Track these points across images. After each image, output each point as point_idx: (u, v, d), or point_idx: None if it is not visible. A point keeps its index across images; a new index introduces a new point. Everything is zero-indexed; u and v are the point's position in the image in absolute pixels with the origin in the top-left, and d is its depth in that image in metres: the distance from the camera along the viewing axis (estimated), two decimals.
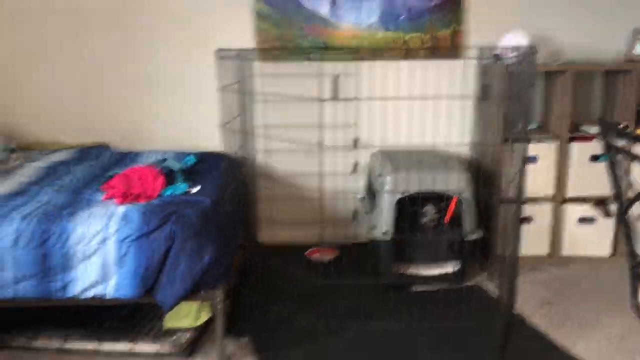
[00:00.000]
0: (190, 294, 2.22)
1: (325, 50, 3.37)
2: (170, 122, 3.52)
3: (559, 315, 2.69)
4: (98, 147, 3.34)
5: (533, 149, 3.20)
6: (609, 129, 1.24)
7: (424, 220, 2.98)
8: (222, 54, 2.38)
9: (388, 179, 2.90)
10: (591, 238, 3.34)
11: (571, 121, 3.25)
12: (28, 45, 3.43)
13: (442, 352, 2.37)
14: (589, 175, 3.26)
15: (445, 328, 2.55)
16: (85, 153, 3.22)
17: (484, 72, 3.34)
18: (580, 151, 3.24)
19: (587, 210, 3.31)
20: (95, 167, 2.99)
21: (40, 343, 2.43)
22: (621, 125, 3.21)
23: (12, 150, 3.22)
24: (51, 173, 2.86)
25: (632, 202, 1.22)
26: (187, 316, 2.47)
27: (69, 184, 2.67)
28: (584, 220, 3.32)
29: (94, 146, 3.35)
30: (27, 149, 3.32)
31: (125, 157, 3.21)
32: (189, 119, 3.51)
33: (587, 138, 3.27)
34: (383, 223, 2.90)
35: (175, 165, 2.85)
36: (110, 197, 2.45)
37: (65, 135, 3.51)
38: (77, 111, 3.50)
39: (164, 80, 3.46)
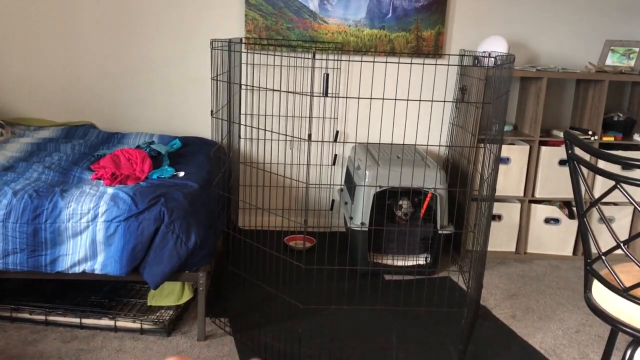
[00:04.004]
0: (175, 274, 2.33)
1: (313, 44, 3.47)
2: (155, 106, 3.58)
3: (521, 308, 2.87)
4: (84, 126, 3.39)
5: (506, 150, 3.37)
6: (572, 141, 1.37)
7: (399, 213, 3.12)
8: (215, 44, 2.47)
9: (367, 173, 3.02)
10: (555, 238, 3.53)
11: (543, 125, 3.42)
12: (17, 23, 3.45)
13: (412, 335, 2.52)
14: (556, 178, 3.43)
15: (416, 314, 2.70)
16: (72, 131, 3.28)
17: (464, 74, 3.49)
18: (549, 155, 3.41)
19: (553, 211, 3.50)
20: (83, 146, 3.04)
21: (23, 315, 2.50)
22: (589, 133, 3.39)
23: (0, 126, 3.25)
24: (40, 150, 2.91)
25: (590, 206, 1.37)
26: (170, 295, 2.57)
27: (58, 162, 2.73)
28: (549, 220, 3.51)
29: (80, 125, 3.40)
30: (12, 125, 3.35)
31: (112, 138, 3.28)
32: (173, 104, 3.58)
33: (557, 143, 3.45)
34: (360, 214, 3.03)
35: (162, 149, 2.93)
36: (100, 177, 2.53)
37: (50, 113, 3.55)
38: (63, 89, 3.54)
39: (151, 65, 3.52)
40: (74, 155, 2.88)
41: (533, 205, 3.49)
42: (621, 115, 3.52)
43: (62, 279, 2.71)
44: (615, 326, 1.40)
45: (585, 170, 3.32)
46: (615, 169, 3.30)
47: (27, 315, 2.50)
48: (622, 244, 1.34)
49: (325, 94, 1.80)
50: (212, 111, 2.40)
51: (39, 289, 2.69)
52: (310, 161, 3.64)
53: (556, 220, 3.50)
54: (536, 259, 3.52)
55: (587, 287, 1.55)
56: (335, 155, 3.66)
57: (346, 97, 1.85)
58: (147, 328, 2.46)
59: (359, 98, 1.66)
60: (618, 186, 1.23)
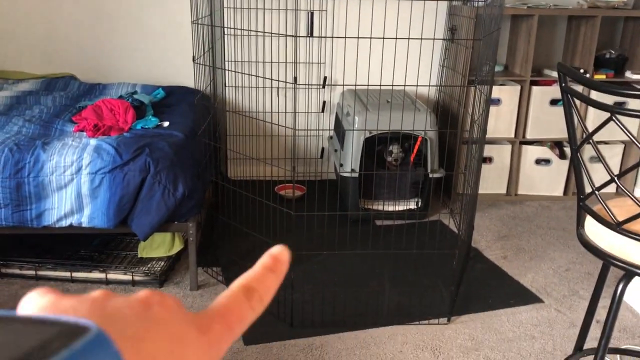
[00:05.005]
0: (164, 224, 2.30)
1: None
2: (136, 55, 3.47)
3: (512, 249, 2.88)
4: (65, 78, 3.29)
5: (497, 91, 3.31)
6: (566, 72, 1.33)
7: (390, 159, 3.09)
8: None
9: (356, 118, 2.97)
10: (546, 178, 3.52)
11: (534, 65, 3.36)
12: None
13: (404, 276, 2.53)
14: (547, 118, 3.40)
15: (408, 257, 2.71)
16: (53, 84, 3.18)
17: (453, 14, 3.39)
18: (540, 95, 3.36)
19: (543, 152, 3.48)
20: (64, 98, 2.96)
21: (13, 270, 2.48)
22: (580, 71, 3.34)
23: None
24: (19, 103, 2.83)
25: (583, 141, 1.33)
26: (160, 246, 2.55)
27: (39, 115, 2.65)
28: (540, 161, 3.49)
29: (60, 76, 3.30)
30: None
31: (94, 89, 3.19)
32: (155, 53, 3.47)
33: (548, 82, 3.40)
34: (350, 161, 2.99)
35: (145, 98, 2.85)
36: (82, 129, 2.47)
37: (29, 66, 3.44)
38: (41, 41, 3.41)
39: (131, 11, 3.39)
40: (55, 107, 2.80)
41: (524, 146, 3.47)
42: (613, 52, 3.46)
43: (50, 234, 2.67)
44: (608, 261, 1.39)
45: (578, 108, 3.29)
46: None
47: (16, 271, 2.48)
48: (616, 178, 1.31)
49: (311, 33, 1.73)
50: (193, 57, 2.32)
51: (28, 244, 2.66)
52: (299, 109, 3.58)
53: (547, 161, 3.49)
54: (527, 200, 3.52)
55: (580, 224, 1.53)
56: (324, 102, 3.59)
57: (332, 37, 1.78)
58: (138, 279, 2.46)
59: (345, 38, 1.59)
60: (613, 118, 1.20)
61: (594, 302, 1.67)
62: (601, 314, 2.31)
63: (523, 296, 2.45)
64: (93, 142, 2.29)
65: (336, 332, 2.15)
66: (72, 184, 2.21)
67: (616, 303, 1.43)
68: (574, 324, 2.25)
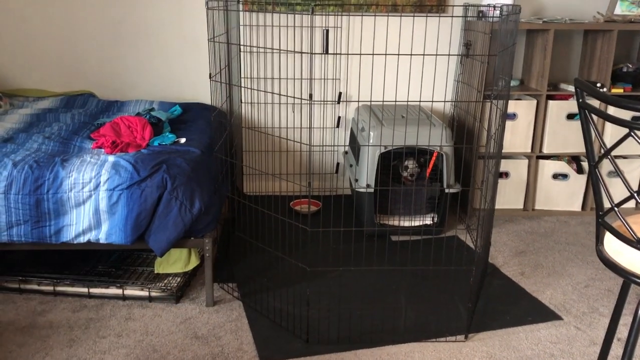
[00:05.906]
0: (181, 240, 2.31)
1: (312, 1, 3.37)
2: (154, 72, 3.52)
3: (530, 265, 2.85)
4: (83, 95, 3.34)
5: (512, 106, 3.30)
6: (583, 88, 1.32)
7: (405, 174, 3.08)
8: (211, 4, 2.39)
9: (371, 134, 2.97)
10: (564, 193, 3.49)
11: (550, 79, 3.34)
12: None
13: (421, 292, 2.51)
14: (564, 132, 3.37)
15: (424, 273, 2.69)
16: (72, 101, 3.23)
17: (468, 29, 3.40)
18: (557, 109, 3.34)
19: (561, 166, 3.45)
20: (83, 115, 3.00)
21: (32, 286, 2.50)
22: (597, 85, 3.32)
23: None
24: (39, 120, 2.88)
25: (601, 157, 1.32)
26: (176, 262, 2.56)
27: (58, 132, 2.69)
28: (557, 176, 3.46)
29: (79, 94, 3.35)
30: (10, 96, 3.31)
31: (112, 106, 3.23)
32: (172, 70, 3.52)
33: (565, 96, 3.38)
34: (366, 176, 2.99)
35: (163, 115, 2.88)
36: (100, 146, 2.50)
37: (48, 84, 3.50)
38: (60, 59, 3.47)
39: (148, 30, 3.45)
40: (74, 124, 2.84)
41: (541, 161, 3.44)
42: (630, 66, 3.43)
43: (68, 250, 2.70)
44: (628, 278, 1.37)
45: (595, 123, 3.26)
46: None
47: (35, 287, 2.50)
48: (635, 194, 1.30)
49: (326, 50, 1.74)
50: (210, 74, 2.35)
51: (46, 259, 2.69)
52: (314, 124, 3.59)
53: (564, 176, 3.46)
54: (544, 215, 3.48)
55: (599, 240, 1.51)
56: (339, 118, 3.60)
57: (347, 54, 1.79)
58: (155, 295, 2.47)
59: (360, 54, 1.60)
60: (632, 134, 1.19)
61: (615, 320, 1.64)
62: (622, 331, 2.27)
63: (541, 313, 2.41)
64: (111, 158, 2.32)
65: (352, 349, 2.14)
66: (90, 200, 2.24)
67: (638, 321, 1.40)
68: (594, 342, 2.21)
